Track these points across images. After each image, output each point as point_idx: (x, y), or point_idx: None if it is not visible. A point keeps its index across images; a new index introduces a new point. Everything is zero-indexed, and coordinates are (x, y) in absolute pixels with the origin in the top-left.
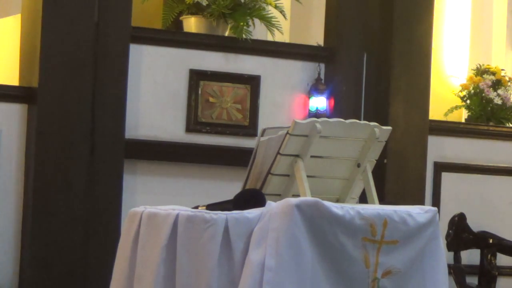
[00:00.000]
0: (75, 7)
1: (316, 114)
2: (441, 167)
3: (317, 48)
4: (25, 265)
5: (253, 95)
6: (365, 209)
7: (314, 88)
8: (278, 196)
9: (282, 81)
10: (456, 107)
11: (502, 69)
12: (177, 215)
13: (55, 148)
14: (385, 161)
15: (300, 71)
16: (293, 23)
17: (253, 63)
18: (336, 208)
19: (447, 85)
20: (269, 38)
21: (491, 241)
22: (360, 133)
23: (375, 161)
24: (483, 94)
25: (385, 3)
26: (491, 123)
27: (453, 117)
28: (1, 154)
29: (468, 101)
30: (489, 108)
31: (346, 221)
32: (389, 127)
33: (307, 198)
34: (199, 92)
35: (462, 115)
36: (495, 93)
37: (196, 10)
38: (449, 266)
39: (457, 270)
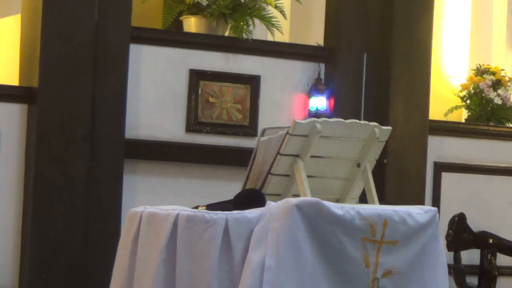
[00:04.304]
0: (75, 7)
1: (316, 114)
2: (441, 167)
3: (317, 48)
4: (25, 265)
5: (253, 95)
6: (365, 209)
7: (314, 88)
8: (278, 196)
9: (282, 81)
10: (456, 107)
11: (502, 69)
12: (177, 215)
13: (55, 148)
14: (385, 161)
15: (300, 71)
16: (293, 23)
17: (253, 63)
18: (336, 208)
19: (447, 85)
20: (269, 38)
21: (491, 241)
22: (360, 133)
23: (375, 161)
24: (483, 94)
25: (385, 3)
26: (491, 123)
27: (453, 117)
28: (1, 154)
29: (468, 101)
30: (489, 108)
31: (346, 221)
32: (389, 127)
33: (307, 198)
34: (199, 92)
35: (462, 115)
36: (495, 93)
37: (196, 10)
38: (449, 266)
39: (457, 270)
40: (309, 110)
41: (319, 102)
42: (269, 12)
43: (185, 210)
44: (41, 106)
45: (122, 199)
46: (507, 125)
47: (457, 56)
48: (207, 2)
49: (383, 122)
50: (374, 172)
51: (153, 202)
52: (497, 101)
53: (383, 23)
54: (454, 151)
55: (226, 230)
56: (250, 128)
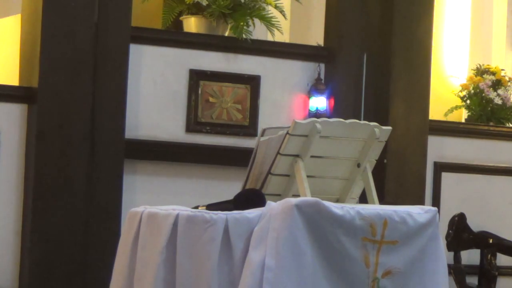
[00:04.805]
0: (75, 7)
1: (316, 114)
2: (441, 167)
3: (317, 48)
4: (25, 265)
5: (253, 95)
6: (365, 209)
7: (314, 88)
8: (278, 196)
9: (282, 81)
10: (456, 107)
11: (502, 69)
12: (177, 215)
13: (55, 148)
14: (385, 161)
15: (300, 71)
16: (293, 23)
17: (253, 63)
18: (336, 208)
19: (447, 85)
20: (269, 38)
21: (491, 241)
22: (360, 133)
23: (375, 161)
24: (483, 94)
25: (385, 3)
26: (491, 123)
27: (453, 117)
28: (1, 154)
29: (468, 101)
30: (489, 108)
31: (346, 221)
32: (389, 127)
33: (307, 198)
34: (199, 92)
35: (462, 115)
36: (495, 93)
37: (196, 10)
38: (449, 266)
39: (457, 270)
40: (309, 110)
41: (319, 102)
42: (269, 12)
43: (185, 210)
44: (41, 106)
45: (122, 199)
46: (507, 125)
47: (457, 56)
48: (207, 2)
49: (383, 122)
50: (374, 172)
51: (153, 202)
52: (497, 101)
53: (383, 23)
54: (454, 151)
55: (226, 230)
56: (250, 128)
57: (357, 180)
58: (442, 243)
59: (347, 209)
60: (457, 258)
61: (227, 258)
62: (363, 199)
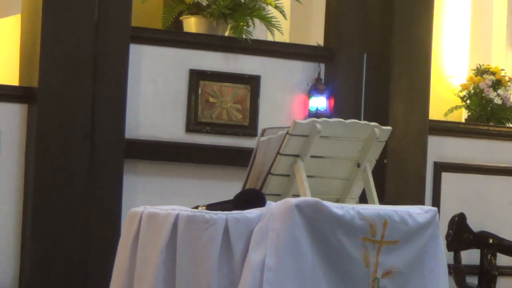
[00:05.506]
0: (75, 7)
1: (316, 114)
2: (441, 167)
3: (317, 48)
4: (25, 265)
5: (253, 95)
6: (365, 209)
7: (314, 88)
8: (278, 196)
9: (282, 81)
10: (456, 107)
11: (502, 69)
12: (177, 215)
13: (55, 148)
14: (385, 161)
15: (300, 71)
16: (293, 23)
17: (253, 63)
18: (336, 208)
19: (447, 85)
20: (269, 38)
21: (491, 241)
22: (360, 133)
23: (375, 161)
24: (483, 94)
25: (385, 3)
26: (491, 123)
27: (453, 117)
28: (1, 154)
29: (468, 101)
30: (489, 108)
31: (346, 221)
32: (389, 127)
33: (307, 198)
34: (199, 92)
35: (462, 115)
36: (495, 93)
37: (196, 10)
38: (449, 266)
39: (457, 270)
40: (309, 110)
41: (319, 102)
42: (269, 12)
43: (185, 210)
44: (41, 106)
45: (122, 199)
46: (507, 125)
47: (457, 56)
48: (207, 2)
49: (383, 122)
50: (374, 172)
51: (153, 202)
52: (497, 101)
53: (383, 23)
54: (454, 151)
55: (226, 230)
56: (250, 128)
57: (357, 180)
58: (442, 243)
59: (347, 209)
60: (457, 258)
61: (227, 258)
62: (363, 199)
